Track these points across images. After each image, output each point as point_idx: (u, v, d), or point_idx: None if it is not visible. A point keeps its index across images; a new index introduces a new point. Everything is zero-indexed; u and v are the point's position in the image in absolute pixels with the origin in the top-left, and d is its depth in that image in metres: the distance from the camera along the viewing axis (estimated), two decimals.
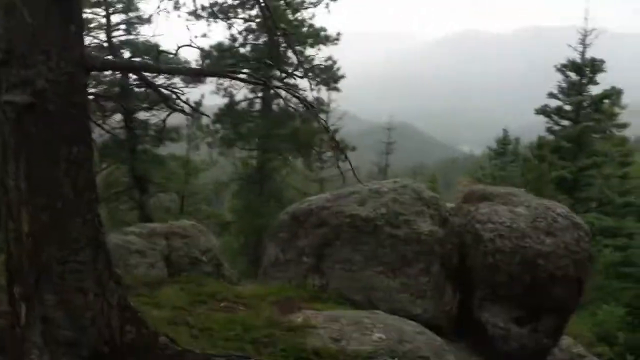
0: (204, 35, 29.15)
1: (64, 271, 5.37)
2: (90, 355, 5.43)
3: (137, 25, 31.50)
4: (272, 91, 28.96)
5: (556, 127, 26.87)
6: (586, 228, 9.95)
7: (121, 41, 32.12)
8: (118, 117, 32.18)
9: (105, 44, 31.35)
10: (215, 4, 28.34)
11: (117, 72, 30.65)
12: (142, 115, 32.79)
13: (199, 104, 28.61)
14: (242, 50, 29.46)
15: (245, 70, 29.34)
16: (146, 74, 7.38)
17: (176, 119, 30.88)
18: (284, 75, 29.31)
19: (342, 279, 9.54)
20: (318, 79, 29.05)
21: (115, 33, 31.70)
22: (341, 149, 27.36)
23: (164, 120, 23.46)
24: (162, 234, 10.68)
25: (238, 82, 28.92)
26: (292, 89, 7.55)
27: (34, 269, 5.34)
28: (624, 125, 28.69)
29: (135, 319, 6.02)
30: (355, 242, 9.61)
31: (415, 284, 9.37)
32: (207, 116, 23.84)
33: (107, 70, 7.60)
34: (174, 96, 8.24)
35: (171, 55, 29.61)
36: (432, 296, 9.40)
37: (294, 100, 23.85)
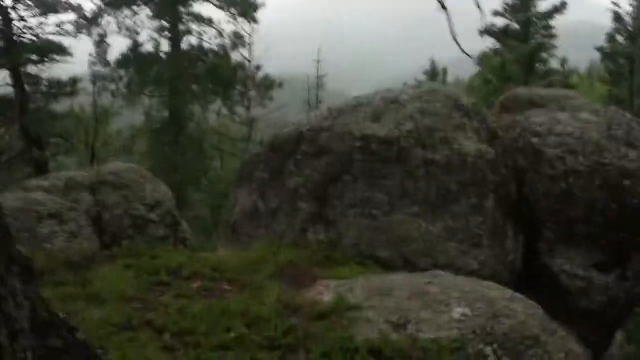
0: None
1: None
2: None
3: None
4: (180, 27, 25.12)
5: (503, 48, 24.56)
6: None
7: None
8: (3, 72, 27.76)
9: None
10: None
11: None
12: (31, 69, 28.46)
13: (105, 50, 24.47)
14: None
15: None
16: None
17: (72, 70, 26.61)
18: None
19: (361, 229, 6.57)
20: (234, 10, 25.30)
21: None
22: (267, 86, 24.17)
23: None
24: (86, 186, 7.33)
25: (142, 19, 24.95)
26: None
27: None
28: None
29: (69, 340, 2.92)
30: (374, 175, 6.64)
31: (465, 227, 6.53)
32: None
33: None
34: None
35: None
36: (490, 243, 6.58)
37: (209, 33, 19.82)
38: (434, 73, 37.53)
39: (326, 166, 6.79)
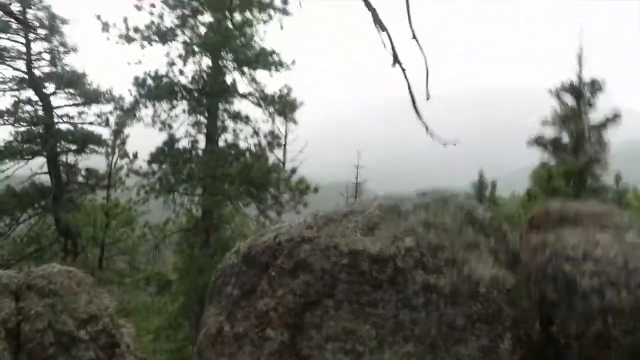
0: (139, 62, 25.23)
1: None
2: None
3: (61, 54, 27.53)
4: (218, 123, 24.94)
5: (552, 162, 23.26)
6: None
7: (44, 73, 28.03)
8: (40, 160, 28.02)
9: (26, 75, 27.27)
10: (151, 25, 24.41)
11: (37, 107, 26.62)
12: (69, 158, 28.71)
13: (124, 141, 24.49)
14: (182, 79, 25.37)
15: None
16: None
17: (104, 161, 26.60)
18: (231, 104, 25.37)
19: None
20: (272, 109, 24.98)
21: (37, 63, 27.67)
22: (302, 190, 23.38)
23: None
24: (11, 290, 6.26)
25: (178, 113, 24.93)
26: None
27: None
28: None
29: None
30: (362, 301, 5.37)
31: None
32: None
33: None
34: None
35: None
36: None
37: (245, 132, 19.48)
38: (482, 186, 36.04)
39: (304, 286, 5.55)
